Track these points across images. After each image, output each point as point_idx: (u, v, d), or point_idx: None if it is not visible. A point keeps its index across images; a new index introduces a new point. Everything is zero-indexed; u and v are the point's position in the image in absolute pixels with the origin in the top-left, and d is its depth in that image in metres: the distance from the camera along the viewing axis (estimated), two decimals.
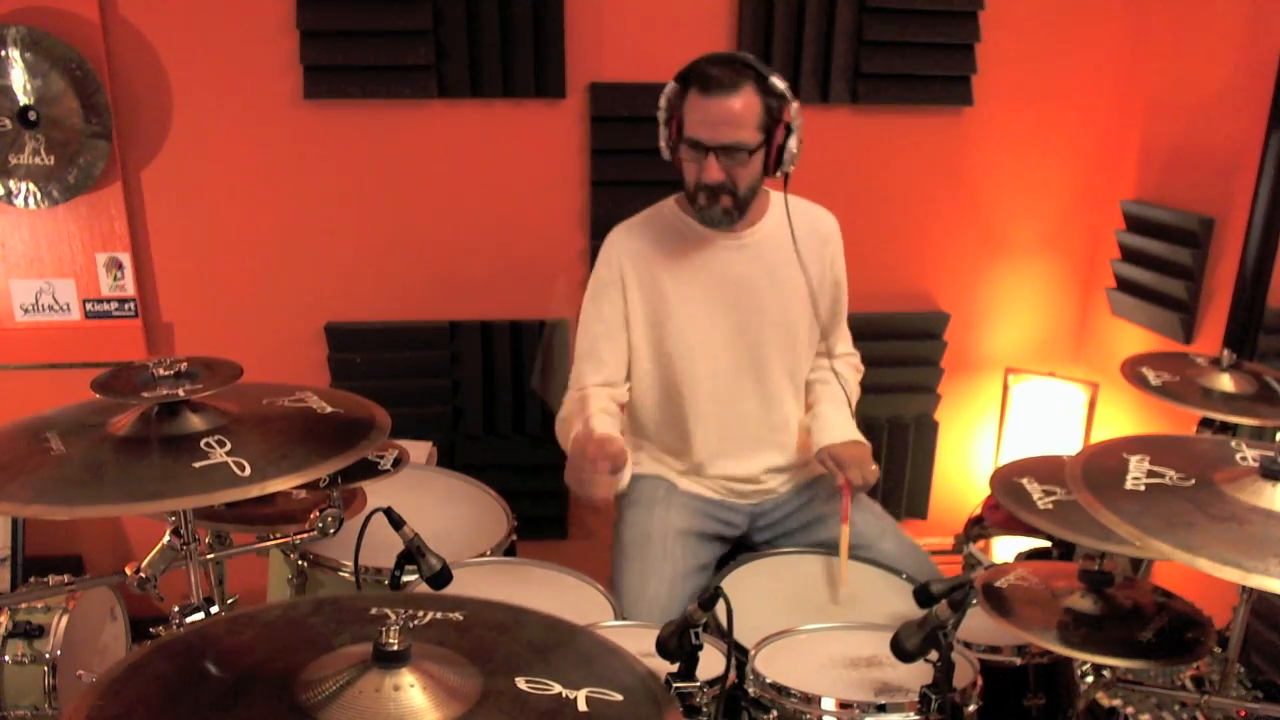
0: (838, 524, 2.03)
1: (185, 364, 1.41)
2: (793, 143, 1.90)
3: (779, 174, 1.93)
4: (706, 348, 2.03)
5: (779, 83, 1.86)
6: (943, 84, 2.78)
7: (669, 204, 2.08)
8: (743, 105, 1.83)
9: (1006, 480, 1.86)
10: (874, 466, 2.04)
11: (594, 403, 1.99)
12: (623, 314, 2.03)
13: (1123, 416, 2.86)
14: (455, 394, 2.85)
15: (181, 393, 1.34)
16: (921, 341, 2.98)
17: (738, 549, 2.17)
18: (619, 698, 1.01)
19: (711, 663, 1.40)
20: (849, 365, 2.25)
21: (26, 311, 2.65)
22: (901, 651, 1.33)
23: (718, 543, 2.14)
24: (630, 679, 1.06)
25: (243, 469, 1.25)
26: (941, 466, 3.11)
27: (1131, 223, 2.80)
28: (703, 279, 2.02)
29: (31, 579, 2.13)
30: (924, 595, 1.42)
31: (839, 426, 2.08)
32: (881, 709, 1.44)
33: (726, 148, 1.85)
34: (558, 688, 1.01)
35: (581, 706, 0.99)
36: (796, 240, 2.01)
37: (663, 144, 1.95)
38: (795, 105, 1.88)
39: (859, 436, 2.08)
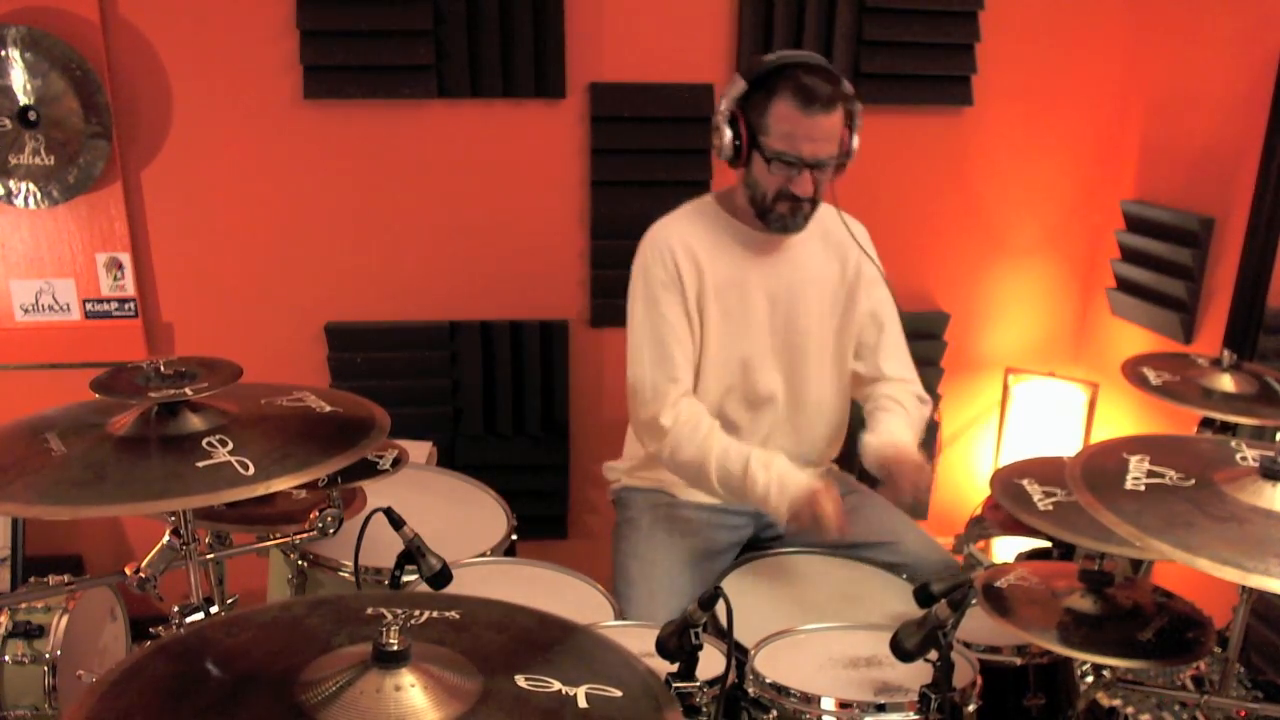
0: (855, 524, 1.99)
1: (185, 364, 1.41)
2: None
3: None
4: (751, 348, 2.00)
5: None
6: (943, 84, 2.78)
7: (708, 202, 2.03)
8: (839, 119, 1.83)
9: (1007, 481, 1.86)
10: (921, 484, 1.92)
11: (707, 421, 1.93)
12: (684, 314, 1.94)
13: (1123, 416, 2.86)
14: (455, 394, 2.85)
15: (189, 392, 1.34)
16: (921, 341, 2.97)
17: (745, 549, 2.16)
18: (618, 694, 1.01)
19: (711, 663, 1.40)
20: (908, 392, 2.11)
21: (26, 311, 2.65)
22: (901, 651, 1.33)
23: (727, 554, 2.10)
24: (629, 675, 1.06)
25: (246, 468, 1.25)
26: (941, 466, 3.11)
27: (1131, 223, 2.80)
28: (753, 280, 1.98)
29: (31, 579, 2.13)
30: (924, 595, 1.42)
31: (896, 435, 1.98)
32: (881, 709, 1.44)
33: (823, 161, 1.84)
34: (557, 685, 1.01)
35: (581, 703, 0.99)
36: (850, 228, 2.01)
37: (724, 143, 1.86)
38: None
39: (921, 459, 1.95)
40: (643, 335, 1.95)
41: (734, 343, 2.00)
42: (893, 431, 1.98)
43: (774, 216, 1.90)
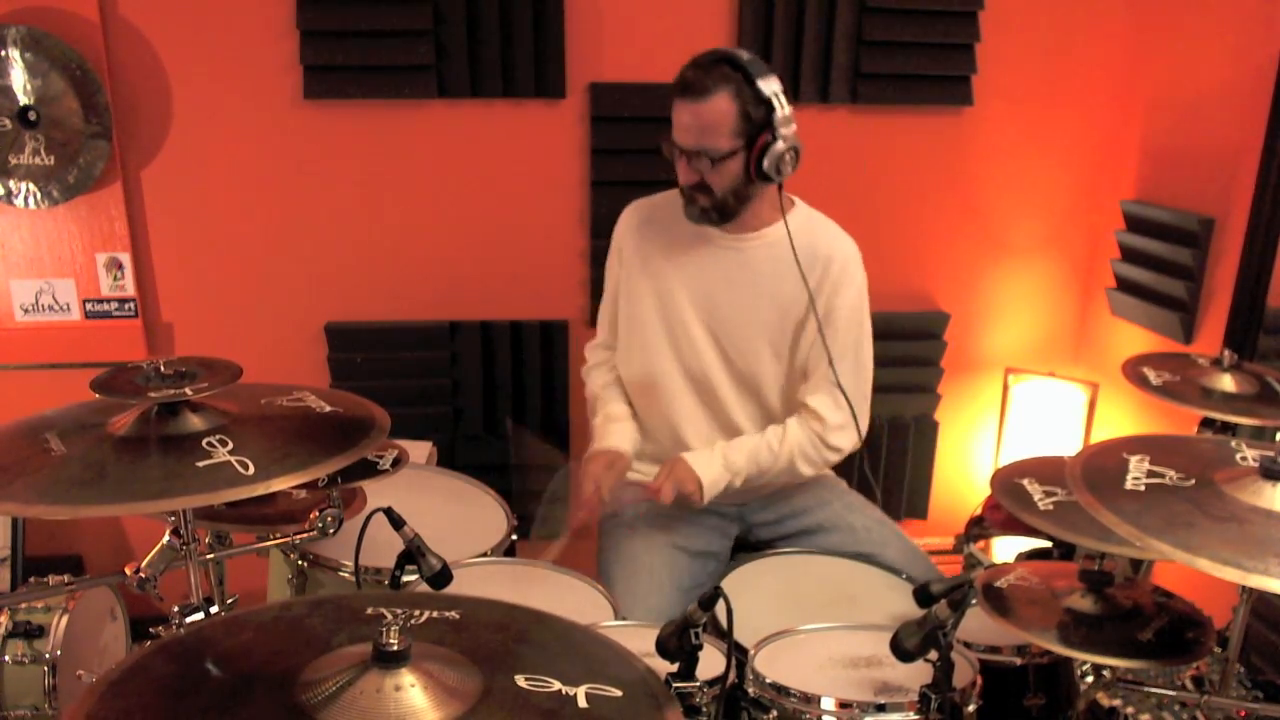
0: (839, 533, 2.06)
1: (185, 364, 1.41)
2: (778, 148, 1.83)
3: (775, 180, 1.88)
4: (684, 339, 2.02)
5: (767, 87, 1.81)
6: (943, 84, 2.78)
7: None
8: (713, 112, 1.81)
9: (1007, 481, 1.86)
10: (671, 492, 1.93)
11: (600, 377, 2.18)
12: (616, 284, 2.13)
13: (1123, 416, 2.86)
14: (455, 394, 2.85)
15: (189, 392, 1.34)
16: (921, 341, 2.98)
17: (739, 548, 2.17)
18: (618, 693, 1.02)
19: (711, 663, 1.40)
20: (809, 432, 2.00)
21: (26, 312, 2.65)
22: (901, 651, 1.33)
23: (710, 559, 2.09)
24: (628, 674, 1.06)
25: (246, 468, 1.25)
26: (941, 466, 3.11)
27: (1131, 223, 2.80)
28: (690, 271, 2.00)
29: (31, 579, 2.13)
30: (924, 595, 1.42)
31: (707, 456, 1.98)
32: (881, 709, 1.44)
33: (695, 152, 1.85)
34: (557, 685, 1.01)
35: (582, 703, 0.99)
36: (796, 252, 1.93)
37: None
38: (783, 112, 1.83)
39: (708, 474, 1.95)
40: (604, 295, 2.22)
41: (671, 329, 2.03)
42: (719, 456, 1.98)
43: (685, 204, 1.97)
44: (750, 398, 2.06)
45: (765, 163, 1.85)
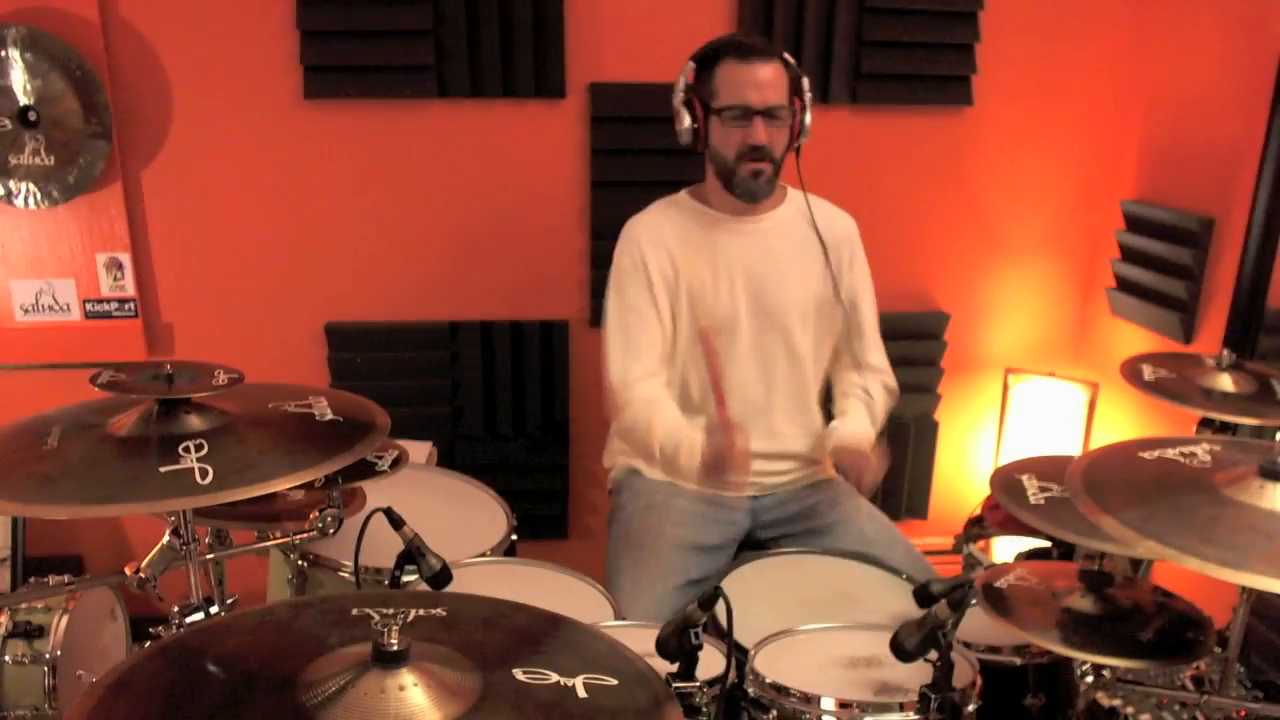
0: (846, 535, 2.07)
1: (192, 368, 1.42)
2: (808, 116, 2.00)
3: (795, 147, 2.02)
4: (726, 325, 2.05)
5: (790, 58, 1.99)
6: (943, 84, 2.78)
7: (680, 196, 2.13)
8: (778, 71, 1.95)
9: (1007, 478, 1.86)
10: (870, 477, 2.03)
11: (666, 401, 2.05)
12: (650, 300, 2.04)
13: (1123, 417, 2.86)
14: (455, 394, 2.85)
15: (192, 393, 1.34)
16: (921, 341, 2.98)
17: (742, 547, 2.17)
18: (615, 682, 1.02)
19: (711, 663, 1.40)
20: (879, 383, 2.21)
21: (27, 312, 2.65)
22: (901, 651, 1.33)
23: (719, 553, 2.10)
24: (622, 664, 1.07)
25: (205, 476, 1.23)
26: (941, 466, 3.11)
27: (1131, 223, 2.80)
28: (721, 261, 2.05)
29: (31, 579, 2.13)
30: (924, 595, 1.42)
31: (858, 428, 2.11)
32: (881, 709, 1.44)
33: (771, 110, 1.93)
34: (555, 676, 1.01)
35: (581, 693, 0.99)
36: (816, 223, 2.07)
37: (684, 127, 2.00)
38: (806, 79, 2.00)
39: (869, 444, 2.07)
40: (613, 323, 2.08)
41: (727, 305, 2.05)
42: (857, 424, 2.12)
43: (738, 181, 1.99)
44: (778, 363, 2.11)
45: (804, 128, 2.00)
